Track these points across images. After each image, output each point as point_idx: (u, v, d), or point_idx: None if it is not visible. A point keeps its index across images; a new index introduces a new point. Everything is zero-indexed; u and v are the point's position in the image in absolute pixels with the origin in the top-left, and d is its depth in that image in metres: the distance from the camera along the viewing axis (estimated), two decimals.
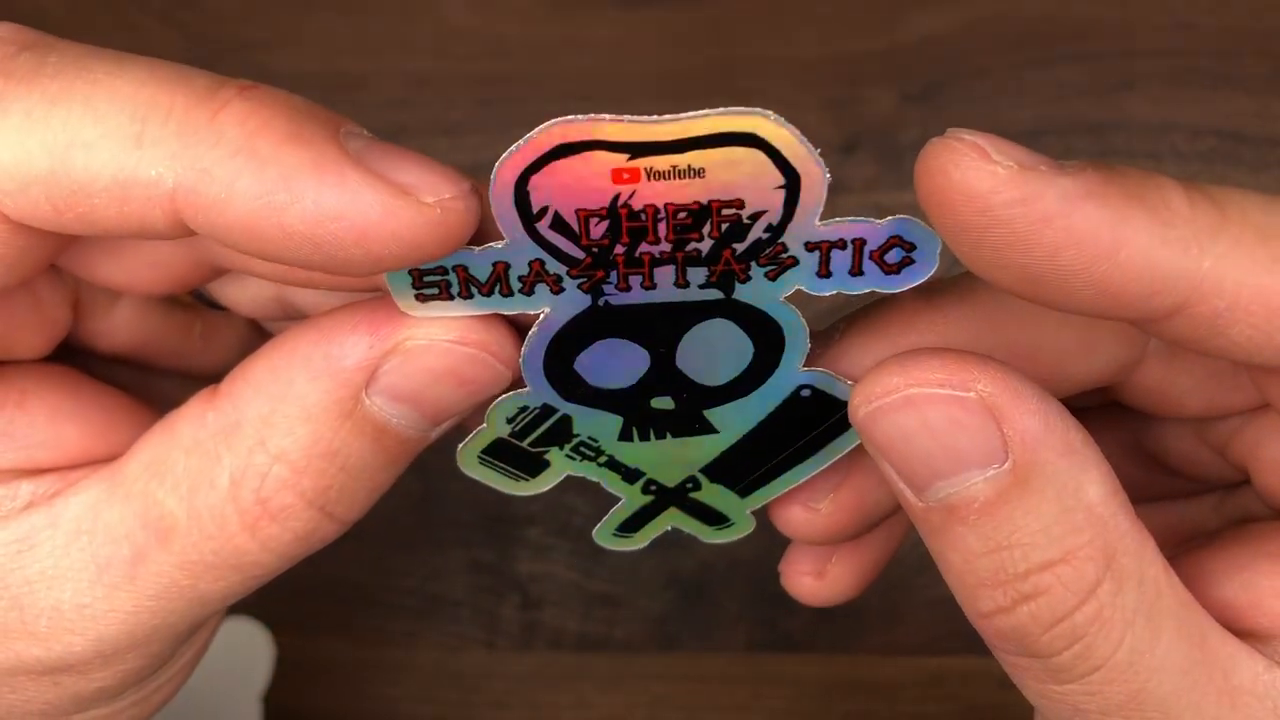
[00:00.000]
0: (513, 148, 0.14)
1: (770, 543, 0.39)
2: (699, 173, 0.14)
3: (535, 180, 0.14)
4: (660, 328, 0.16)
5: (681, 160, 0.14)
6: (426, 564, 0.39)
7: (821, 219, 0.15)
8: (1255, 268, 0.14)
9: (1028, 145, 0.32)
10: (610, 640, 0.39)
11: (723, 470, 0.19)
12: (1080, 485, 0.14)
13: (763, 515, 0.38)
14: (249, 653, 0.39)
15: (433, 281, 0.15)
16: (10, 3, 0.39)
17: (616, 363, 0.16)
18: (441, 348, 0.16)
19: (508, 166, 0.14)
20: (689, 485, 0.19)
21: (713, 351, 0.16)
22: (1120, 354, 0.17)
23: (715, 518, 0.20)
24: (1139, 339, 0.17)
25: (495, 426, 0.18)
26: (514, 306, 0.16)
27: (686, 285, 0.15)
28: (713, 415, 0.17)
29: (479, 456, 0.19)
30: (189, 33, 0.39)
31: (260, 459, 0.16)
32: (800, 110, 0.38)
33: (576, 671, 0.39)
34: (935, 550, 0.16)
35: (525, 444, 0.18)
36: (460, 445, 0.19)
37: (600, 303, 0.15)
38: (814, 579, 0.21)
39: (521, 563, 0.39)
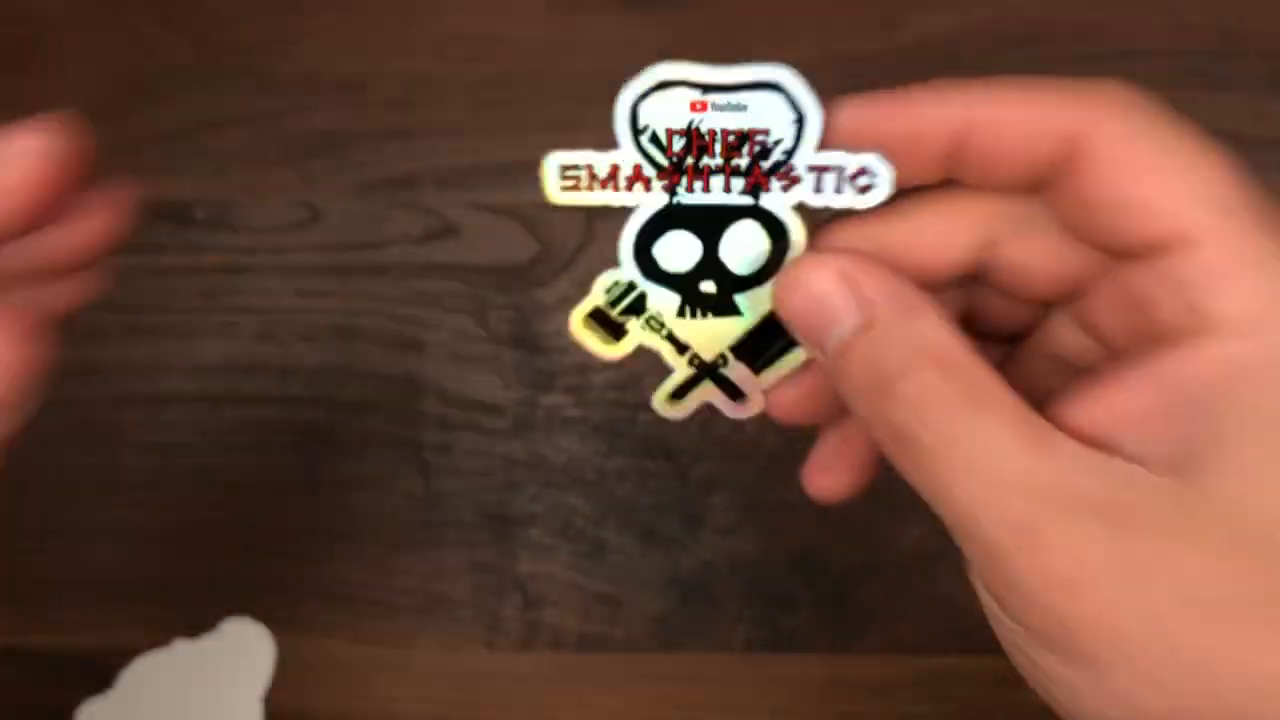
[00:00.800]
0: (631, 81, 0.22)
1: (769, 545, 0.40)
2: (744, 107, 0.21)
3: (642, 107, 0.22)
4: (710, 224, 0.23)
5: (735, 97, 0.21)
6: (427, 564, 0.39)
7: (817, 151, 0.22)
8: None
9: None
10: (611, 640, 0.39)
11: (744, 349, 0.24)
12: (912, 329, 0.20)
13: (762, 527, 0.39)
14: (250, 653, 0.40)
15: (571, 176, 0.24)
16: (14, 7, 0.39)
17: (680, 250, 0.23)
18: None
19: (625, 95, 0.22)
20: (720, 361, 0.25)
21: (742, 246, 0.23)
22: (974, 243, 0.22)
23: (737, 393, 0.25)
24: (989, 223, 0.22)
25: (595, 296, 0.24)
26: (620, 200, 0.23)
27: (729, 192, 0.22)
28: (740, 300, 0.24)
29: (584, 319, 0.24)
30: (190, 35, 0.39)
31: None
32: None
33: (577, 671, 0.39)
34: (842, 394, 0.21)
35: (615, 313, 0.24)
36: (573, 311, 0.24)
37: (674, 201, 0.23)
38: (824, 475, 0.26)
39: (522, 563, 0.39)
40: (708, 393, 0.25)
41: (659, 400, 0.25)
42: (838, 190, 0.22)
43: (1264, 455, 0.18)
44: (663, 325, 0.24)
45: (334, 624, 0.40)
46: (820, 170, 0.22)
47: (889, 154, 0.22)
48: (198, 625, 0.40)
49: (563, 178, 0.24)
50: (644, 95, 0.23)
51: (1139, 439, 0.19)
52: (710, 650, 0.39)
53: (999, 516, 0.18)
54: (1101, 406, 0.19)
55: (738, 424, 0.39)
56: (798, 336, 0.22)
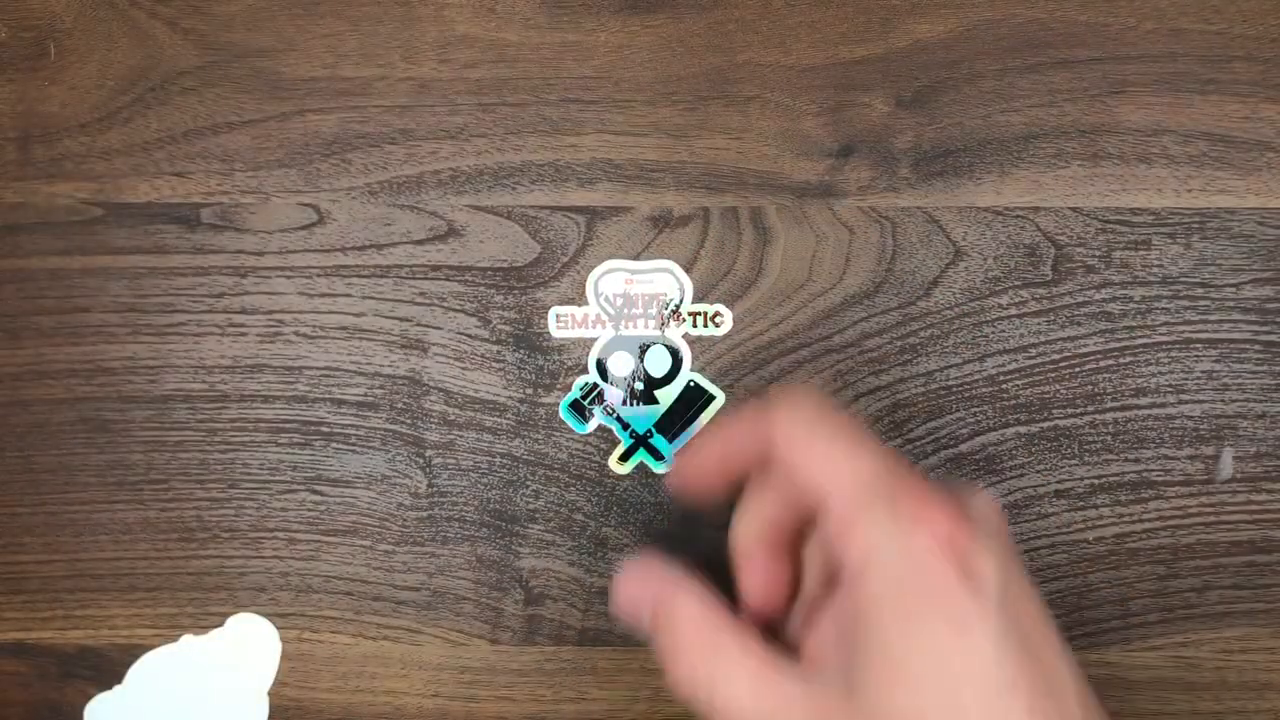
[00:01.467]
0: (594, 270, 0.35)
1: None
2: (651, 281, 0.37)
3: (600, 282, 0.36)
4: (639, 349, 0.36)
5: (647, 277, 0.39)
6: (431, 560, 0.39)
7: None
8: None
9: (1020, 150, 0.37)
10: (611, 635, 0.39)
11: (661, 426, 0.38)
12: (675, 611, 0.27)
13: None
14: (256, 648, 0.40)
15: (563, 320, 0.39)
16: (23, 10, 0.40)
17: (622, 363, 0.37)
18: None
19: (591, 276, 0.36)
20: (649, 434, 0.38)
21: (657, 361, 0.37)
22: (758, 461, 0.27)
23: (660, 457, 0.37)
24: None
25: (573, 393, 0.38)
26: (590, 334, 0.35)
27: (648, 329, 0.36)
28: (658, 395, 0.38)
29: (567, 406, 0.37)
30: (197, 39, 0.39)
31: None
32: (796, 116, 0.39)
33: (578, 665, 0.39)
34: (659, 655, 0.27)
35: (586, 403, 0.38)
36: (561, 402, 0.38)
37: (618, 333, 0.36)
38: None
39: (524, 559, 0.39)
40: (642, 455, 0.38)
41: (612, 461, 0.39)
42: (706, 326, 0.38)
43: (889, 666, 0.23)
44: (613, 411, 0.38)
45: (339, 620, 0.40)
46: (693, 315, 0.38)
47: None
48: (204, 621, 0.40)
49: (558, 320, 0.39)
50: (600, 276, 0.38)
51: (830, 661, 0.25)
52: None
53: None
54: (810, 640, 0.26)
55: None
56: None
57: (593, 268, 0.39)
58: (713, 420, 0.34)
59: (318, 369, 0.39)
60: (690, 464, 0.29)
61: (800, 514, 0.27)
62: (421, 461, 0.39)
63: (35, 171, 0.39)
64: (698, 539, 0.30)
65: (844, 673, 0.24)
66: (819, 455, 0.25)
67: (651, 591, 0.27)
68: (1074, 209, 0.39)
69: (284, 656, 0.40)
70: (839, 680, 0.24)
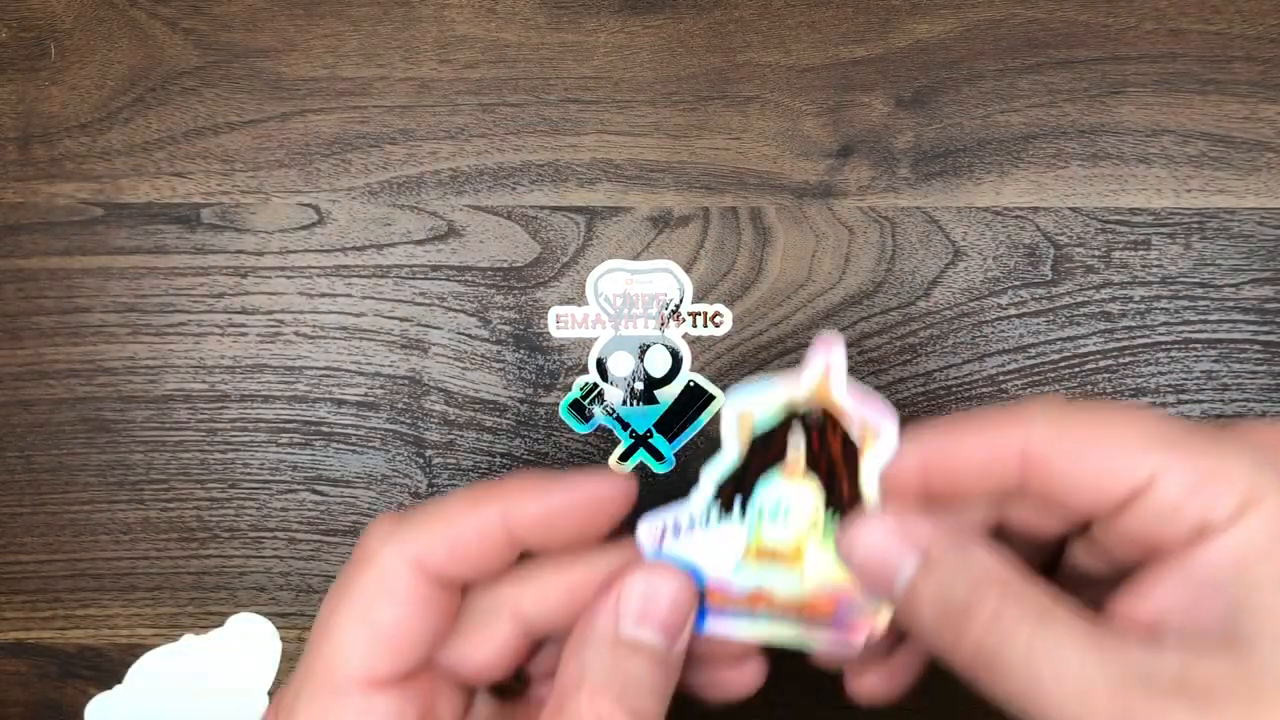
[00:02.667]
0: (594, 270, 0.33)
1: None
2: (651, 282, 0.36)
3: (600, 282, 0.36)
4: (639, 349, 0.34)
5: (647, 277, 0.37)
6: None
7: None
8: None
9: (1019, 150, 0.37)
10: None
11: (661, 426, 0.38)
12: (969, 559, 0.23)
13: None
14: (256, 648, 0.40)
15: (563, 320, 0.38)
16: (23, 11, 0.40)
17: (622, 363, 0.36)
18: None
19: (590, 277, 0.35)
20: (649, 434, 0.37)
21: (657, 361, 0.36)
22: (1005, 482, 0.24)
23: (660, 457, 0.37)
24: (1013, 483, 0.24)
25: (573, 393, 0.37)
26: (590, 334, 0.35)
27: (647, 329, 0.34)
28: (658, 395, 0.37)
29: (567, 406, 0.36)
30: (197, 39, 0.39)
31: None
32: (796, 116, 0.39)
33: None
34: (916, 633, 0.24)
35: (585, 403, 0.37)
36: (561, 402, 0.37)
37: (617, 333, 0.34)
38: (870, 682, 0.28)
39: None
40: (642, 455, 0.38)
41: (612, 461, 0.38)
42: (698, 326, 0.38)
43: None
44: (614, 411, 0.37)
45: None
46: (693, 315, 0.38)
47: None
48: (204, 621, 0.40)
49: (558, 320, 0.38)
50: (600, 276, 0.37)
51: (1180, 623, 0.21)
52: None
53: (1094, 712, 0.20)
54: (1142, 603, 0.22)
55: None
56: (867, 593, 0.25)
57: (593, 268, 0.39)
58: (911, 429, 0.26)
59: (318, 369, 0.39)
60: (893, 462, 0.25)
61: (1065, 520, 0.25)
62: (421, 461, 0.39)
63: (35, 171, 0.39)
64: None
65: (1219, 631, 0.21)
66: (1107, 446, 0.22)
67: (919, 542, 0.23)
68: (1074, 209, 0.39)
69: (284, 656, 0.40)
70: (1208, 641, 0.21)
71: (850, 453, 0.26)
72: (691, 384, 0.39)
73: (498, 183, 0.39)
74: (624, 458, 0.39)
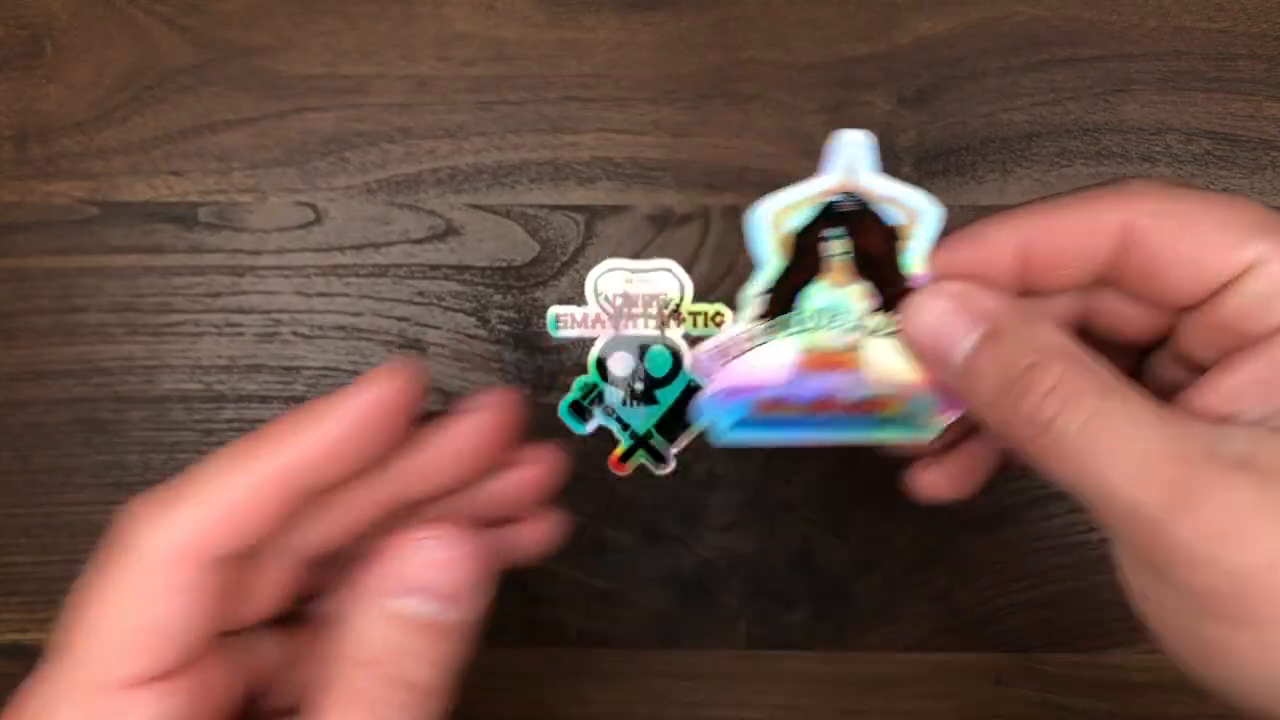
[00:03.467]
0: (594, 269, 0.31)
1: (769, 543, 0.40)
2: (649, 280, 0.31)
3: (599, 281, 0.31)
4: (640, 347, 0.31)
5: (646, 276, 0.32)
6: None
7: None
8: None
9: (1023, 148, 0.36)
10: (611, 637, 0.39)
11: (661, 426, 0.34)
12: (1035, 331, 0.22)
13: (762, 525, 0.39)
14: None
15: (563, 320, 0.32)
16: (19, 9, 0.39)
17: (622, 363, 0.32)
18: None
19: (591, 275, 0.31)
20: (649, 434, 0.34)
21: (657, 361, 0.32)
22: (1102, 263, 0.23)
23: (660, 458, 0.34)
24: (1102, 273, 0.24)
25: (572, 393, 0.32)
26: (589, 333, 0.31)
27: (646, 328, 0.31)
28: (658, 394, 0.33)
29: (566, 407, 0.33)
30: (194, 37, 0.39)
31: None
32: (798, 114, 0.38)
33: (578, 668, 0.39)
34: (973, 406, 0.23)
35: (585, 403, 0.33)
36: (560, 402, 0.32)
37: (617, 333, 0.31)
38: (935, 477, 0.28)
39: None
40: (642, 456, 0.35)
41: (612, 461, 0.35)
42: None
43: None
44: (613, 411, 0.35)
45: None
46: (693, 315, 0.32)
47: (971, 279, 0.24)
48: None
49: (557, 321, 0.34)
50: (600, 275, 0.32)
51: (1255, 406, 0.21)
52: (710, 647, 0.39)
53: (1152, 483, 0.19)
54: (1216, 392, 0.22)
55: None
56: (922, 363, 0.24)
57: (592, 267, 0.39)
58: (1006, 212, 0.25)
59: (315, 369, 0.39)
60: (991, 234, 0.24)
61: (1154, 314, 0.24)
62: None
63: (31, 170, 0.39)
64: None
65: None
66: (1210, 228, 0.21)
67: (984, 313, 0.23)
68: None
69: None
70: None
71: (891, 243, 0.26)
72: (692, 384, 0.39)
73: (496, 181, 0.39)
74: (624, 458, 0.39)
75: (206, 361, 0.39)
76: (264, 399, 0.39)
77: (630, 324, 0.38)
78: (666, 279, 0.38)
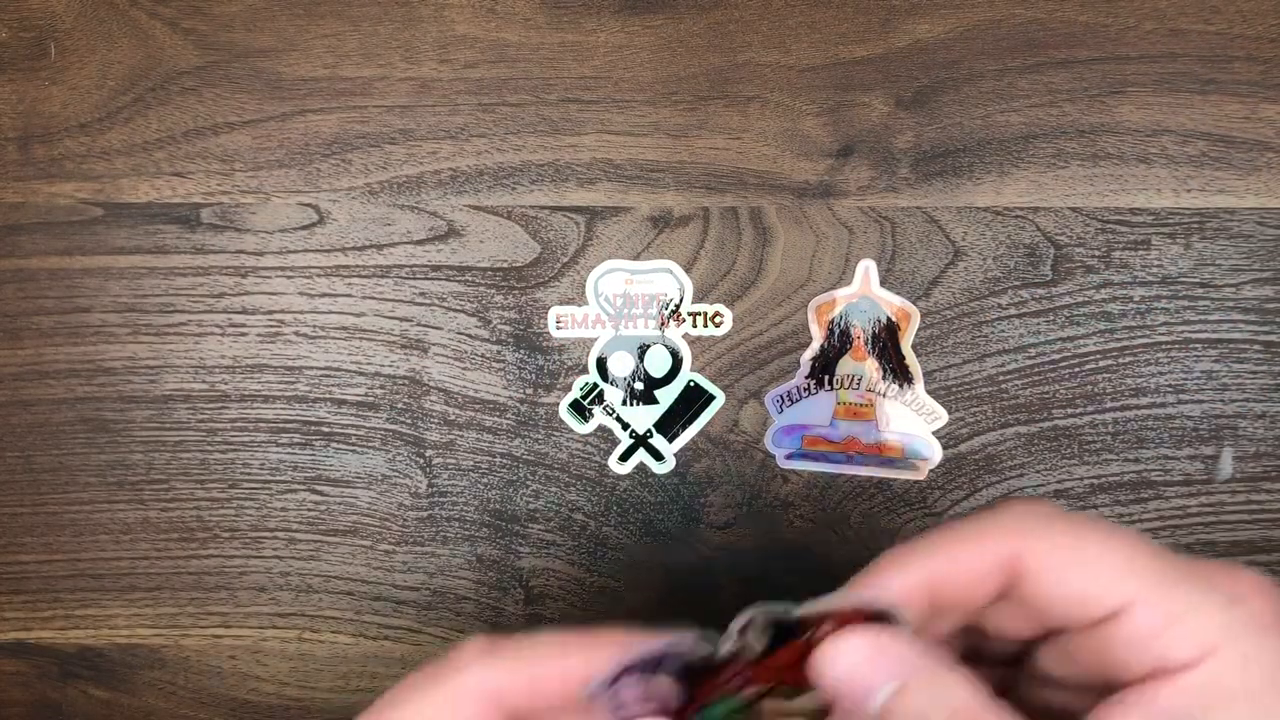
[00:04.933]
0: (594, 269, 0.34)
1: (767, 541, 0.40)
2: (651, 282, 0.37)
3: (600, 282, 0.35)
4: (639, 349, 0.34)
5: (647, 277, 0.37)
6: (431, 560, 0.40)
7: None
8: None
9: (1019, 150, 0.37)
10: None
11: (661, 426, 0.38)
12: (946, 690, 0.23)
13: (760, 523, 0.39)
14: None
15: (562, 320, 0.37)
16: (23, 11, 0.40)
17: (622, 364, 0.35)
18: None
19: (591, 276, 0.39)
20: (648, 434, 0.38)
21: (657, 361, 0.36)
22: (990, 594, 0.25)
23: (660, 457, 0.37)
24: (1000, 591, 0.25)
25: (573, 393, 0.37)
26: (589, 334, 0.35)
27: (647, 329, 0.34)
28: (658, 394, 0.38)
29: (567, 407, 0.37)
30: (197, 39, 0.39)
31: None
32: (796, 116, 0.39)
33: None
34: None
35: (586, 403, 0.37)
36: (561, 402, 0.38)
37: (618, 333, 0.32)
38: None
39: (524, 559, 0.39)
40: (642, 456, 0.38)
41: (612, 461, 0.39)
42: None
43: None
44: (613, 411, 0.38)
45: (339, 619, 0.40)
46: (693, 315, 0.38)
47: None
48: (204, 621, 0.40)
49: (558, 320, 0.38)
50: (600, 276, 0.37)
51: None
52: None
53: None
54: None
55: (735, 422, 0.39)
56: (840, 703, 0.25)
57: (593, 268, 0.39)
58: (906, 545, 0.27)
59: (318, 369, 0.39)
60: (896, 581, 0.25)
61: (1040, 627, 0.25)
62: (421, 461, 0.39)
63: (36, 171, 0.39)
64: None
65: None
66: (1091, 566, 0.23)
67: (896, 667, 0.24)
68: (1073, 209, 0.39)
69: (284, 656, 0.40)
70: None
71: (894, 335, 0.38)
72: (692, 384, 0.39)
73: (498, 183, 0.39)
74: (624, 458, 0.39)
75: (210, 361, 0.39)
76: (267, 399, 0.39)
77: (630, 324, 0.39)
78: (666, 280, 0.39)
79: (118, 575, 0.40)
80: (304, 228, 0.39)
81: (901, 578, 0.25)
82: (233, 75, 0.39)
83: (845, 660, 0.24)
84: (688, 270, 0.39)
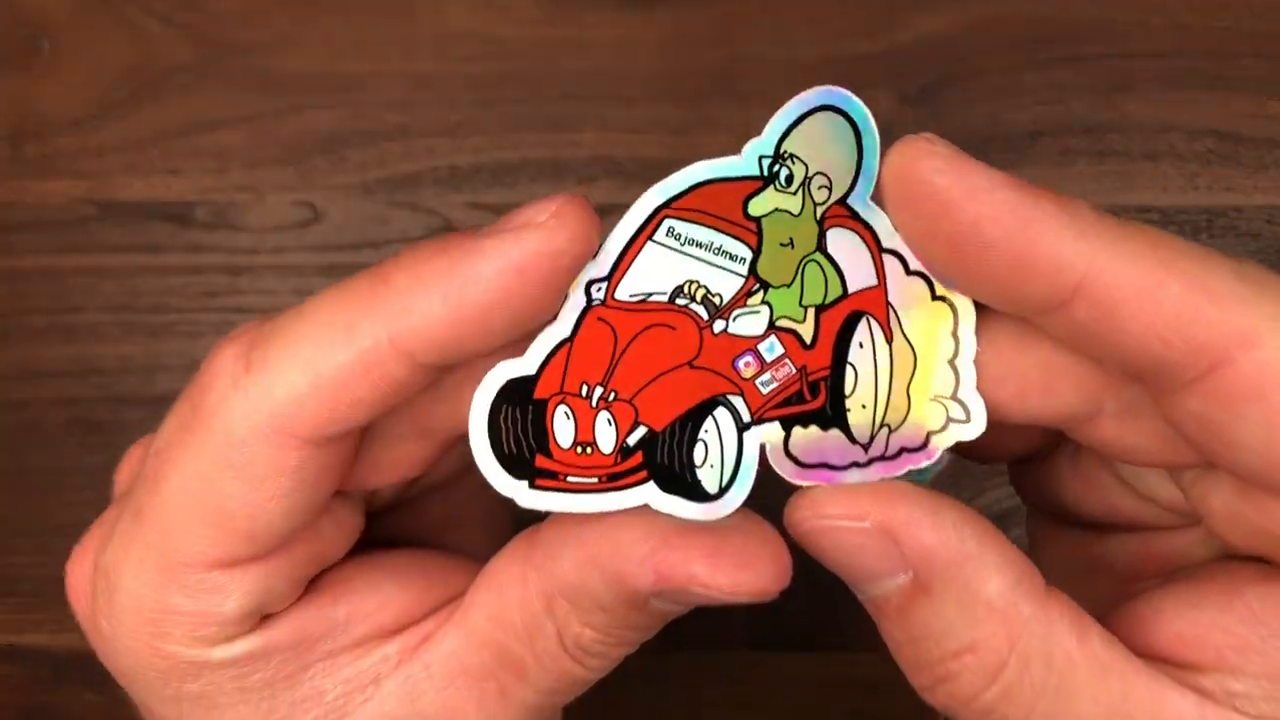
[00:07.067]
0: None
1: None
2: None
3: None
4: None
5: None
6: None
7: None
8: (1144, 267, 0.16)
9: (1026, 147, 0.35)
10: None
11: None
12: (978, 585, 0.17)
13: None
14: None
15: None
16: (14, 6, 0.39)
17: None
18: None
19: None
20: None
21: None
22: (1075, 404, 0.18)
23: None
24: (1094, 395, 0.18)
25: None
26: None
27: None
28: None
29: None
30: (191, 35, 0.39)
31: (575, 626, 0.21)
32: None
33: None
34: (890, 644, 0.20)
35: None
36: None
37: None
38: None
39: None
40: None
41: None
42: None
43: None
44: None
45: None
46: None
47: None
48: None
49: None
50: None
51: (1235, 670, 0.17)
52: (712, 648, 0.39)
53: None
54: (1192, 630, 0.17)
55: None
56: (827, 560, 0.20)
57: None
58: None
59: None
60: None
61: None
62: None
63: (27, 169, 0.39)
64: None
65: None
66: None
67: (912, 553, 0.18)
68: None
69: None
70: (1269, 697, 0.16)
71: None
72: None
73: (496, 180, 0.39)
74: None
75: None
76: None
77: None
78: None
79: None
80: (299, 225, 0.39)
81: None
82: (227, 71, 0.39)
83: (849, 539, 0.19)
84: None
